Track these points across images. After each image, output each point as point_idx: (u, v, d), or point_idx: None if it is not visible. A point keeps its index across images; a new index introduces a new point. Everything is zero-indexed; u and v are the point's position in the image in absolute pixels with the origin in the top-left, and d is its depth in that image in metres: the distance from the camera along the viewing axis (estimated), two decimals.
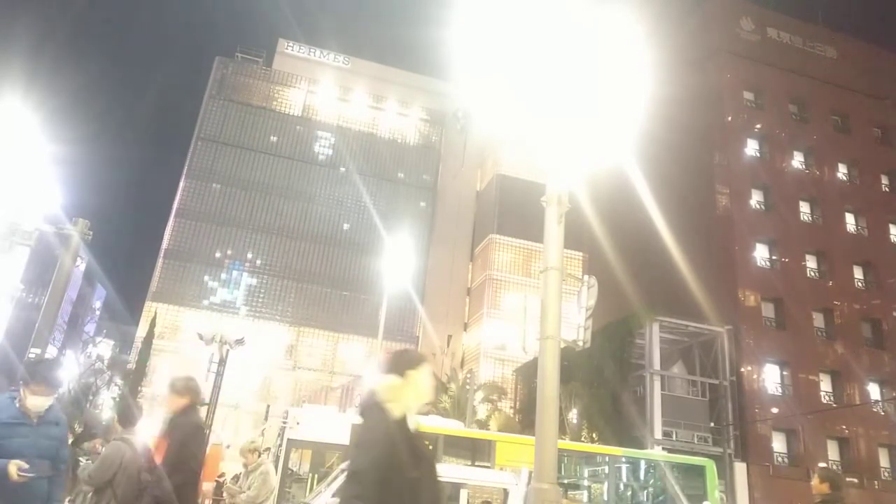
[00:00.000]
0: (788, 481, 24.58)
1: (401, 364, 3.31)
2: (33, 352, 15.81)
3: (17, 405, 4.25)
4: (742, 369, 26.15)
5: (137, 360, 36.38)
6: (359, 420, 3.22)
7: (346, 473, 3.04)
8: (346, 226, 49.14)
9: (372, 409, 3.16)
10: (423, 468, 3.16)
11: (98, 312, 56.94)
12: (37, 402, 4.27)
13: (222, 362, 21.68)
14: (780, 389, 27.18)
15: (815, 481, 6.11)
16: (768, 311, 28.40)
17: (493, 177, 52.51)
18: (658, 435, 22.86)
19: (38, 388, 4.28)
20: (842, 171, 32.58)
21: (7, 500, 4.04)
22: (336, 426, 14.72)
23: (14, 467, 3.97)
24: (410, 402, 3.24)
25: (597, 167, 7.56)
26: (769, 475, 24.79)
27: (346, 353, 45.71)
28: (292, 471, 15.73)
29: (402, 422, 3.17)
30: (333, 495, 8.73)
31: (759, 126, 32.06)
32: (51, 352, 41.32)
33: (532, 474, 6.61)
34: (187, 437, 4.74)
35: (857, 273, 30.50)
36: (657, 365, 24.33)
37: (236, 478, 12.65)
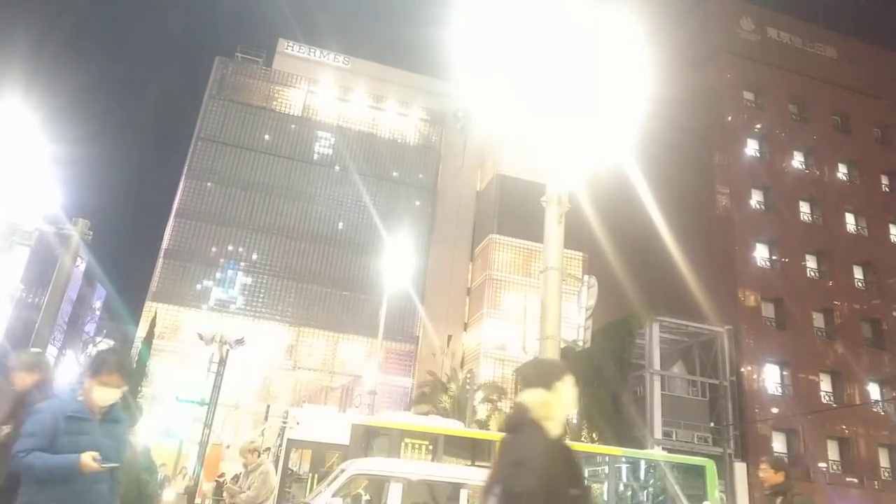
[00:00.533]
0: None
1: (548, 376, 3.18)
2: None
3: (80, 399, 3.81)
4: (742, 369, 26.16)
5: (137, 360, 36.36)
6: (510, 436, 3.08)
7: (503, 494, 2.90)
8: (345, 226, 49.12)
9: (528, 426, 3.03)
10: (580, 486, 3.08)
11: (98, 312, 56.89)
12: (105, 396, 3.80)
13: (222, 362, 21.70)
14: (780, 389, 27.18)
15: (767, 473, 6.05)
16: (768, 311, 28.40)
17: (493, 177, 52.50)
18: (658, 435, 22.86)
19: (110, 379, 3.81)
20: (842, 171, 32.59)
21: None
22: (336, 426, 14.74)
23: (89, 457, 3.55)
24: (560, 415, 3.13)
25: (597, 167, 7.56)
26: None
27: (346, 353, 45.69)
28: (292, 471, 15.74)
29: (561, 439, 3.08)
30: (334, 495, 8.73)
31: (759, 126, 32.06)
32: (51, 352, 41.35)
33: None
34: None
35: (857, 273, 30.51)
36: (657, 365, 24.33)
37: (236, 478, 12.67)
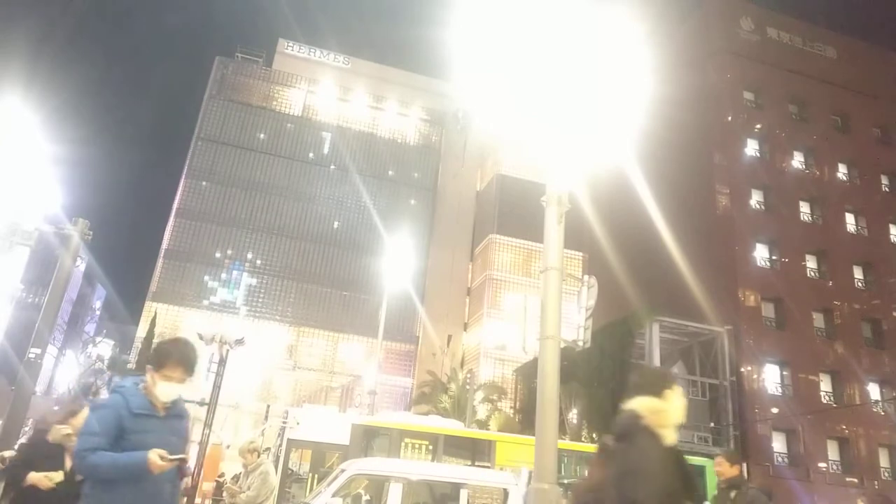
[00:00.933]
0: (788, 481, 24.59)
1: (658, 384, 3.18)
2: (33, 352, 15.82)
3: (143, 393, 3.56)
4: (742, 369, 26.16)
5: (137, 360, 36.36)
6: (621, 444, 3.06)
7: (617, 502, 2.89)
8: (345, 226, 49.11)
9: (641, 433, 3.00)
10: (693, 494, 3.08)
11: (98, 312, 56.95)
12: (168, 391, 3.57)
13: (222, 362, 21.67)
14: (780, 389, 27.18)
15: (723, 466, 5.98)
16: (768, 311, 28.40)
17: (493, 177, 52.48)
18: None
19: (174, 373, 3.57)
20: (842, 171, 32.58)
21: None
22: (336, 426, 14.76)
23: (156, 455, 3.32)
24: (673, 423, 3.11)
25: (597, 167, 7.57)
26: (769, 475, 24.79)
27: (346, 353, 45.67)
28: (292, 471, 15.75)
29: (675, 447, 3.06)
30: (334, 495, 8.73)
31: (759, 126, 32.06)
32: (51, 352, 41.35)
33: (532, 474, 6.61)
34: None
35: (857, 273, 30.51)
36: (657, 365, 24.32)
37: (236, 478, 12.66)
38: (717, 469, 6.10)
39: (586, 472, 3.03)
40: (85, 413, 5.09)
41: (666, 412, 3.07)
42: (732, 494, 5.88)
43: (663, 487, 2.82)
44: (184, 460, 3.51)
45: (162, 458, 3.35)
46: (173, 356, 3.60)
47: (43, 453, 5.13)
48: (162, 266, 45.07)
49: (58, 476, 4.94)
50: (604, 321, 23.32)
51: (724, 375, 24.95)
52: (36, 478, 4.92)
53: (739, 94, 32.54)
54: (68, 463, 4.95)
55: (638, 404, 3.11)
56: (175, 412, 3.66)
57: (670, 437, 3.03)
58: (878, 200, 32.30)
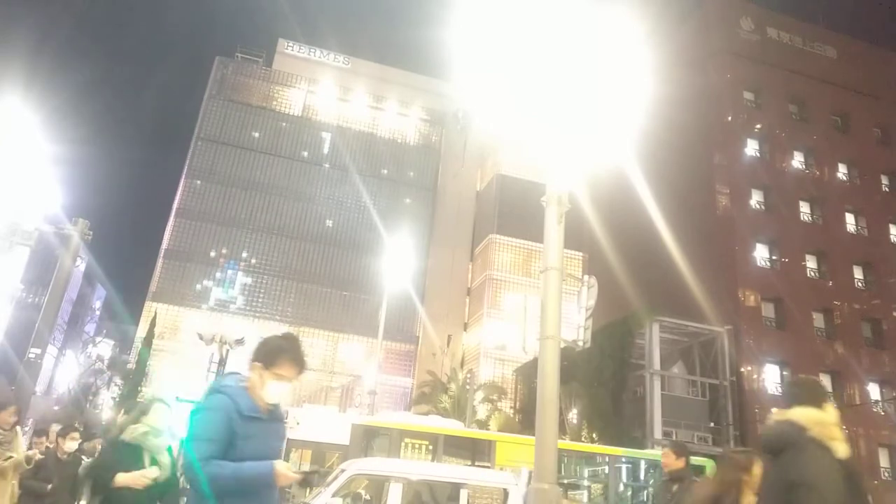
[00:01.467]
0: None
1: (818, 395, 3.11)
2: (33, 352, 15.84)
3: (248, 393, 3.18)
4: (742, 369, 26.16)
5: (137, 360, 36.35)
6: (784, 455, 2.95)
7: None
8: (345, 226, 49.12)
9: (810, 445, 2.89)
10: None
11: (98, 312, 56.90)
12: (278, 392, 3.21)
13: (222, 362, 21.68)
14: (780, 389, 27.17)
15: (669, 458, 5.84)
16: (768, 311, 28.40)
17: (493, 177, 52.50)
18: (658, 435, 22.85)
19: (287, 372, 3.21)
20: (842, 171, 32.58)
21: None
22: (336, 426, 14.77)
23: (284, 466, 3.06)
24: (841, 435, 3.01)
25: (597, 167, 7.58)
26: None
27: (346, 353, 45.69)
28: None
29: (846, 460, 2.95)
30: (334, 495, 8.73)
31: (759, 126, 32.05)
32: (51, 352, 41.36)
33: (532, 474, 6.62)
34: None
35: (857, 273, 30.51)
36: (657, 365, 24.33)
37: None
38: (663, 461, 5.94)
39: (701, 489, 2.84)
40: (158, 410, 5.07)
41: (832, 425, 2.98)
42: (674, 488, 5.72)
43: (840, 502, 2.74)
44: (318, 472, 3.27)
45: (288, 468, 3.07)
46: (287, 353, 3.23)
47: (123, 453, 4.90)
48: (162, 266, 45.08)
49: (153, 472, 4.78)
50: (604, 321, 23.32)
51: (724, 375, 24.95)
52: (129, 478, 4.70)
53: (739, 94, 32.54)
54: (146, 462, 4.86)
55: (799, 415, 3.01)
56: (276, 415, 3.30)
57: (842, 450, 2.93)
58: (878, 200, 32.30)
